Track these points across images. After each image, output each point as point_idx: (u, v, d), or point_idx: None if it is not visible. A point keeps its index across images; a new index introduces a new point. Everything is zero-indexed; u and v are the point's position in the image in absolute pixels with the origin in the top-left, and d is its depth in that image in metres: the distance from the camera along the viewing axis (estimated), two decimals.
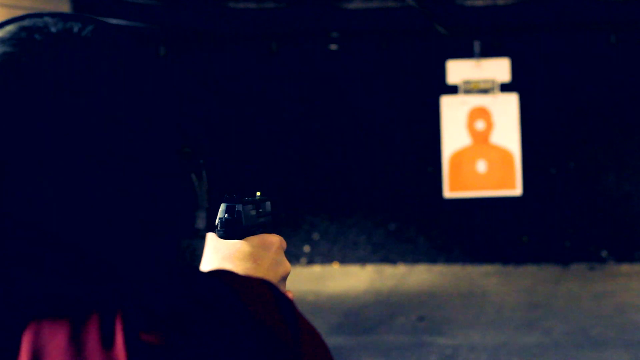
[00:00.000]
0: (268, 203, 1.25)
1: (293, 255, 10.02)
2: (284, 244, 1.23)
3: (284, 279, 1.18)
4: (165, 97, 0.89)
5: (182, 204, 0.90)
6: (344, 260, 10.18)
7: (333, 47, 9.58)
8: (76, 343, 0.80)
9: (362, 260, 10.16)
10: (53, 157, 0.83)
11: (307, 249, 10.21)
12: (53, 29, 0.86)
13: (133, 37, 0.90)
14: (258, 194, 1.25)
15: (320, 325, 7.64)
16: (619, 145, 9.83)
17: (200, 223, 0.93)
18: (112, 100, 0.84)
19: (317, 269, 10.10)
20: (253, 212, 1.21)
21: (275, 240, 1.20)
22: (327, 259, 10.20)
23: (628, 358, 6.69)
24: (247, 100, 10.12)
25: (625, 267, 9.71)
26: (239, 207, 1.18)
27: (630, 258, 9.81)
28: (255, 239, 1.18)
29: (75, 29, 0.87)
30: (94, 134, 0.83)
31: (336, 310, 8.29)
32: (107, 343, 0.80)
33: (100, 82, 0.84)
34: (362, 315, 8.07)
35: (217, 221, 1.18)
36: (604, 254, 9.86)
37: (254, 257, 1.15)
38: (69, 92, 0.83)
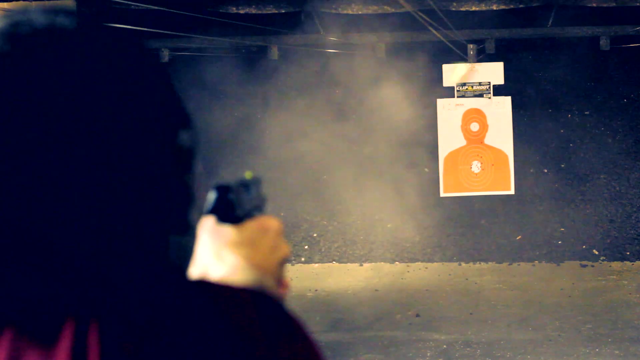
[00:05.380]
0: (260, 184, 1.19)
1: (292, 254, 10.01)
2: (282, 227, 1.18)
3: (282, 263, 1.14)
4: (156, 92, 0.87)
5: (174, 203, 0.88)
6: (342, 258, 10.25)
7: (331, 50, 9.64)
8: (48, 354, 0.79)
9: (360, 259, 10.23)
10: (35, 153, 0.80)
11: (306, 247, 10.25)
12: (38, 24, 0.84)
13: (120, 32, 0.89)
14: (248, 175, 1.18)
15: (319, 321, 7.64)
16: (609, 146, 9.84)
17: (192, 221, 0.91)
18: (99, 94, 0.83)
19: (316, 267, 10.14)
20: (246, 196, 1.15)
21: (272, 224, 1.14)
22: (325, 257, 10.27)
23: (619, 354, 6.67)
24: (247, 102, 10.19)
25: (616, 265, 9.67)
26: (231, 192, 1.11)
27: (621, 256, 9.80)
28: (253, 223, 1.13)
29: (60, 23, 0.85)
30: (82, 129, 0.81)
31: (335, 307, 8.28)
32: (79, 356, 0.78)
33: (87, 77, 0.83)
34: (359, 312, 8.04)
35: (210, 207, 1.12)
36: (595, 252, 9.85)
37: (251, 242, 1.11)
38: (55, 87, 0.81)
